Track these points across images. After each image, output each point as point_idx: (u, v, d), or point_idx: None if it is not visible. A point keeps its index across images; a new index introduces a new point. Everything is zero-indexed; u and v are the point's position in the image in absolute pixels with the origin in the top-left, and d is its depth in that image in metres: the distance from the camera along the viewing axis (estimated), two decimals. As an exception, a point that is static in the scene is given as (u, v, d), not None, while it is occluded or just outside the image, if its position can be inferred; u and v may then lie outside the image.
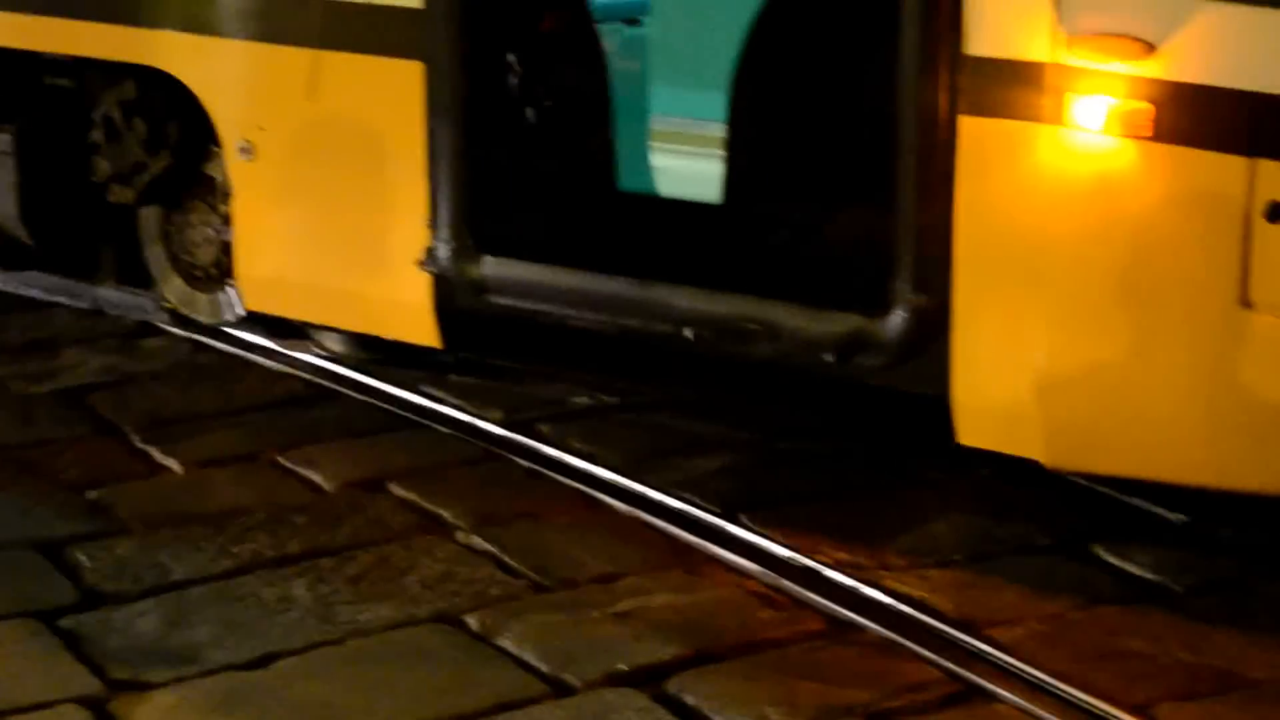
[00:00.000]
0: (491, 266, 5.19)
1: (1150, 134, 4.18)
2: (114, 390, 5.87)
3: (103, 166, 6.04)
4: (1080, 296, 4.34)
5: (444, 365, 5.76)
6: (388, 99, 5.32)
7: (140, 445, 5.44)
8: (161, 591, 4.55)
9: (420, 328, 5.42)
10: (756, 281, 4.86)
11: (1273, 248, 4.13)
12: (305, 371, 5.93)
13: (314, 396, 5.78)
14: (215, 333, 6.19)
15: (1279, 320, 4.17)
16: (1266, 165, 4.11)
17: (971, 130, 4.41)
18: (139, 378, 5.97)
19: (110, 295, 6.50)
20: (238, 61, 5.65)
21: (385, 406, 5.68)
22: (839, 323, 4.68)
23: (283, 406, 5.70)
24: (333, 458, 5.31)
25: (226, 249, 5.90)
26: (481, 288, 5.21)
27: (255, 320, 5.96)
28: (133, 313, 6.40)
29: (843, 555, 4.67)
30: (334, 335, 5.95)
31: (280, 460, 5.31)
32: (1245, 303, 4.17)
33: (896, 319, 4.57)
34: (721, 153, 5.16)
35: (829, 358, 4.68)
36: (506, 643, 4.29)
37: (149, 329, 6.31)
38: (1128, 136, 4.20)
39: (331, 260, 5.60)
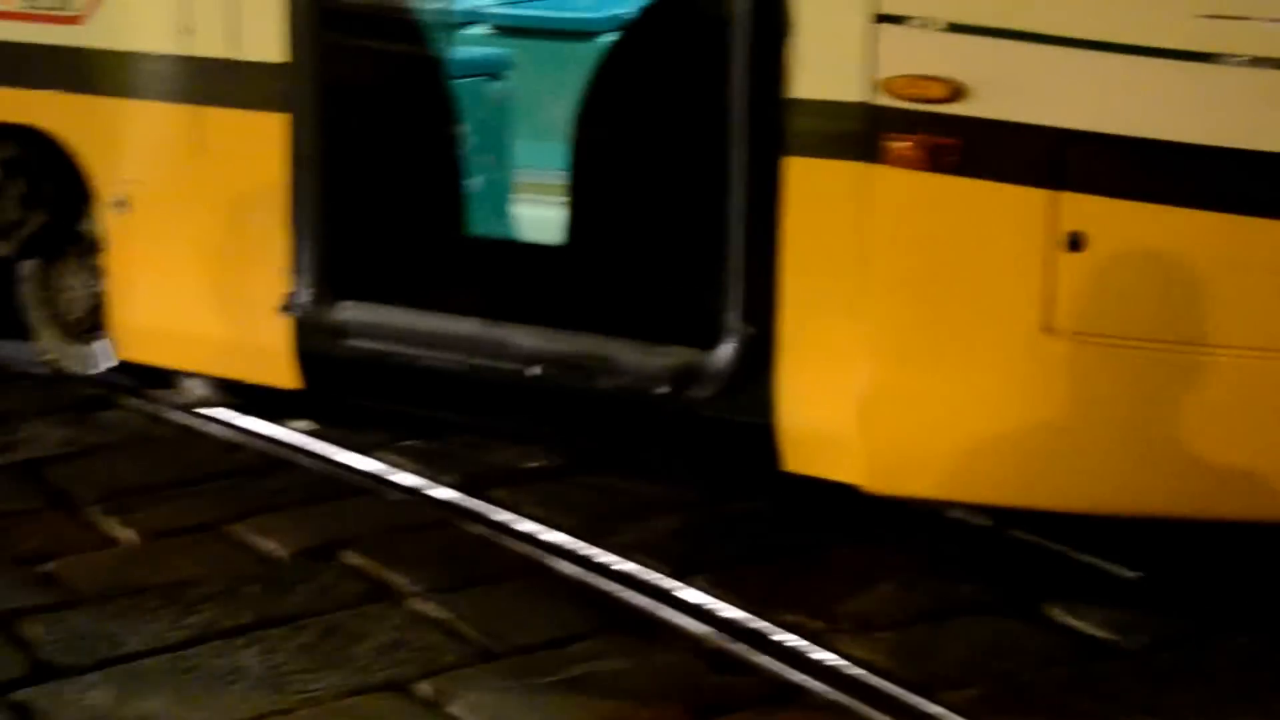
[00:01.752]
0: (349, 311, 5.40)
1: (958, 169, 4.31)
2: (70, 462, 5.84)
3: None
4: (896, 326, 4.47)
5: (395, 429, 5.82)
6: (255, 151, 5.51)
7: (95, 517, 5.41)
8: (114, 663, 4.51)
9: (282, 371, 5.61)
10: (596, 320, 5.04)
11: (1072, 276, 4.26)
12: (260, 441, 5.93)
13: (268, 465, 5.77)
14: (172, 404, 6.21)
15: (1079, 346, 4.29)
16: (1066, 197, 4.24)
17: (796, 169, 4.59)
18: (95, 449, 5.95)
19: None
20: (116, 118, 5.83)
21: (339, 474, 5.68)
22: (672, 356, 4.85)
23: (237, 476, 5.69)
24: (285, 526, 5.29)
25: (99, 301, 6.13)
26: (340, 331, 5.40)
27: (126, 370, 6.15)
28: (15, 364, 6.55)
29: (791, 617, 4.66)
30: (200, 381, 6.12)
31: (234, 530, 5.29)
32: (1049, 329, 4.28)
33: (725, 350, 4.71)
34: (562, 199, 5.27)
35: (664, 389, 4.82)
36: (457, 709, 4.28)
37: (105, 401, 6.31)
38: (938, 172, 4.32)
39: (198, 308, 5.78)
